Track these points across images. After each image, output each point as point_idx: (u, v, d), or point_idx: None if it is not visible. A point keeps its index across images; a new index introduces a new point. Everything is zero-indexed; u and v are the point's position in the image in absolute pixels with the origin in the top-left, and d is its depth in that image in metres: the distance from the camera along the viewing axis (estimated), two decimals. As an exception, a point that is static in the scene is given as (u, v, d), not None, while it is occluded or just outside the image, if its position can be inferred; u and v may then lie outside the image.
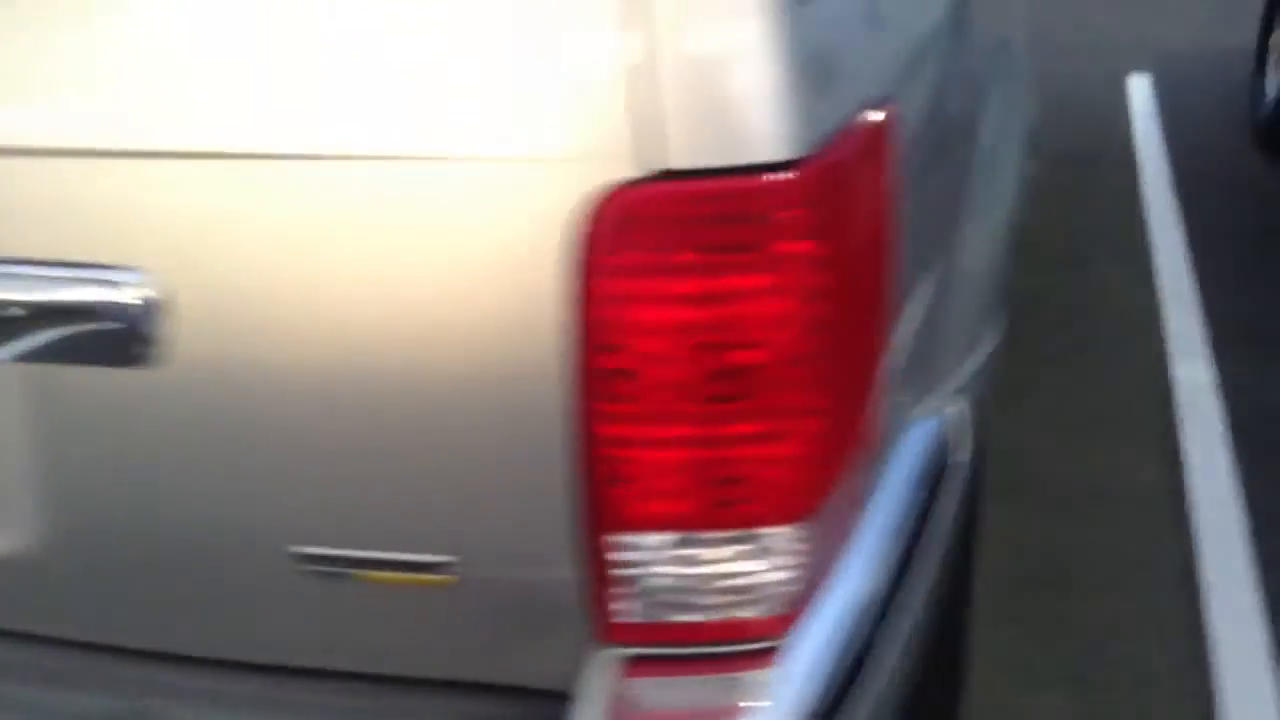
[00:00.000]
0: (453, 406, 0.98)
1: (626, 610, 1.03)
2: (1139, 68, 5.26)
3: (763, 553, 1.02)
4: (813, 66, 0.93)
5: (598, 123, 0.90)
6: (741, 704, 1.03)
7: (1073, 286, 3.55)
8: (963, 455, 1.46)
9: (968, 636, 1.79)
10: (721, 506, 0.99)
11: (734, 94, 0.88)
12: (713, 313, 0.92)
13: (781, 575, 1.03)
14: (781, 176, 0.90)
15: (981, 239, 1.44)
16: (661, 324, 0.93)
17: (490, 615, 1.07)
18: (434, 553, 1.05)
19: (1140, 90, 5.08)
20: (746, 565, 1.02)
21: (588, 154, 0.90)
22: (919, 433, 1.35)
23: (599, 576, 1.02)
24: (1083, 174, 4.35)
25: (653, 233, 0.91)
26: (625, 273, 0.92)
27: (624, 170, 0.90)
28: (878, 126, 1.02)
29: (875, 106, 1.02)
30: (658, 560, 1.02)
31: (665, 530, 1.00)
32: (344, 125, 0.94)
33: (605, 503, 0.99)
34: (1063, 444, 2.83)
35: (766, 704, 1.03)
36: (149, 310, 0.99)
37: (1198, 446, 2.82)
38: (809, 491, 1.01)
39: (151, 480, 1.06)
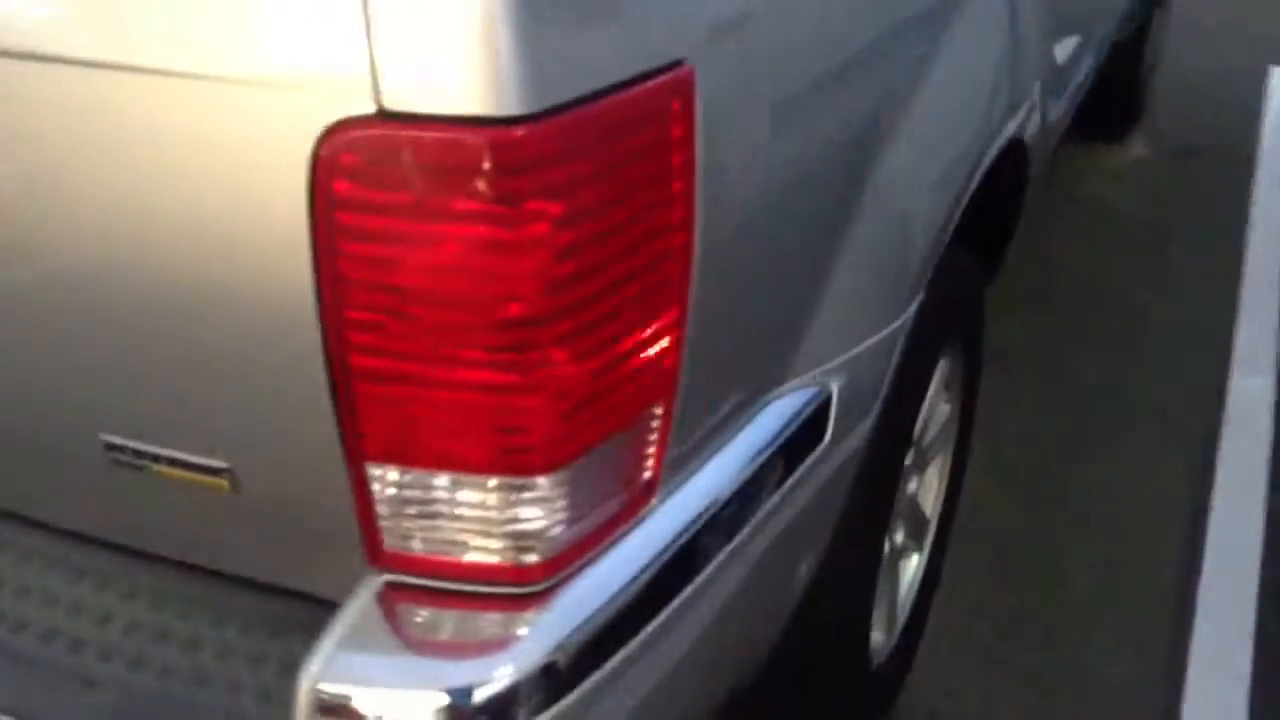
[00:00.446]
0: (217, 322, 1.01)
1: (388, 538, 1.05)
2: (1285, 63, 4.96)
3: (515, 500, 1.02)
4: (556, 19, 0.90)
5: (332, 54, 0.89)
6: (489, 644, 1.04)
7: (1148, 283, 3.39)
8: (851, 431, 1.43)
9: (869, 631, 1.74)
10: (469, 450, 1.00)
11: (461, 42, 0.87)
12: (441, 258, 0.92)
13: (538, 524, 1.03)
14: (497, 131, 0.88)
15: (890, 217, 1.39)
16: (389, 262, 0.93)
17: (271, 522, 1.11)
18: (215, 458, 1.09)
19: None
20: (500, 511, 1.03)
21: (323, 84, 0.90)
22: (783, 404, 1.32)
23: (362, 503, 1.04)
24: (1194, 169, 4.13)
25: (375, 172, 0.91)
26: (352, 208, 0.92)
27: (354, 105, 0.90)
28: (656, 91, 0.98)
29: (658, 70, 0.98)
30: (412, 496, 1.03)
31: (419, 467, 1.02)
32: (92, 33, 0.95)
33: (359, 433, 1.01)
34: (1090, 444, 2.73)
35: (513, 648, 1.04)
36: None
37: (1234, 465, 2.68)
38: (561, 444, 1.01)
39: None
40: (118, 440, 1.12)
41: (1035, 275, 3.41)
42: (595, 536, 1.09)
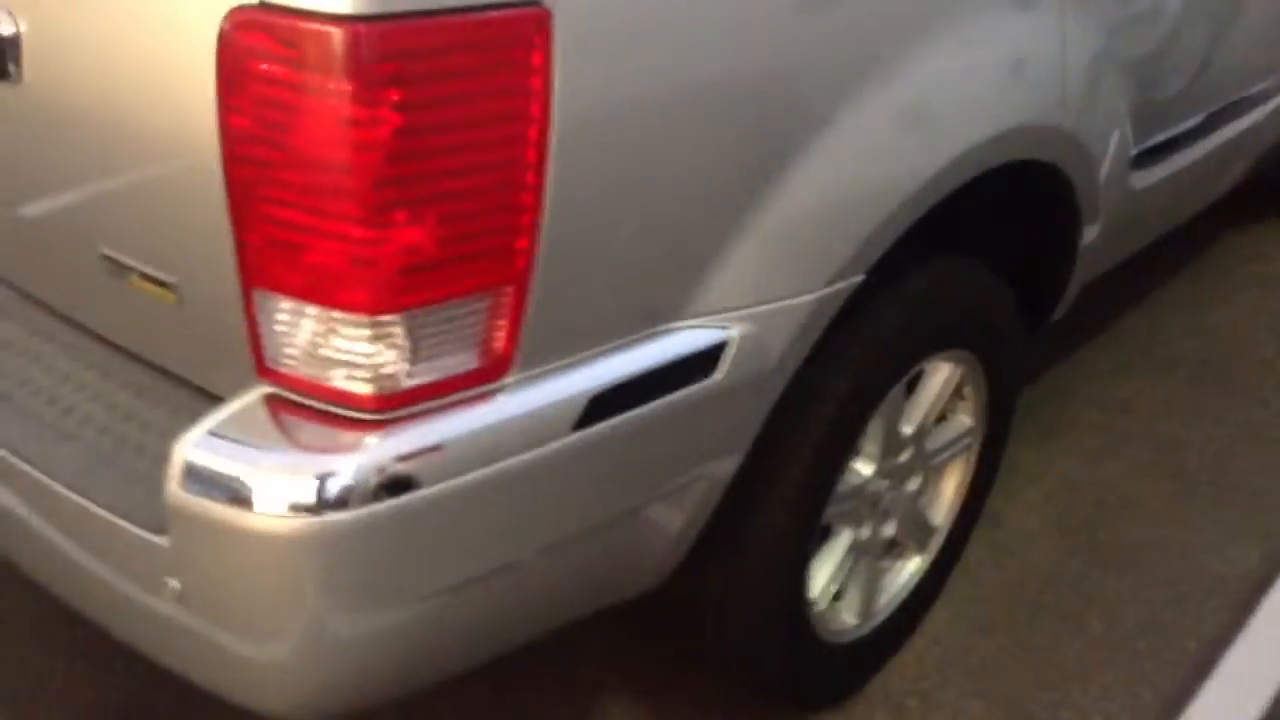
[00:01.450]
0: (163, 167, 1.32)
1: (267, 355, 1.32)
2: None
3: (364, 335, 1.25)
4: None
5: None
6: (323, 457, 1.28)
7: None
8: (751, 382, 1.57)
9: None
10: (330, 287, 1.24)
11: None
12: (308, 125, 1.17)
13: (383, 359, 1.26)
14: (350, 26, 1.13)
15: (807, 188, 1.50)
16: (271, 124, 1.19)
17: (202, 333, 1.40)
18: (167, 273, 1.39)
19: None
20: (352, 343, 1.27)
21: None
22: (680, 335, 1.49)
23: (251, 323, 1.31)
24: None
25: (260, 49, 1.17)
26: (243, 78, 1.19)
27: None
28: (508, 20, 1.19)
29: (514, 4, 1.19)
30: (286, 321, 1.29)
31: (291, 298, 1.27)
32: None
33: (247, 264, 1.28)
34: (1168, 511, 2.70)
35: (344, 463, 1.27)
36: (12, 39, 1.40)
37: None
38: (403, 292, 1.23)
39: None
40: (110, 253, 1.44)
41: (1183, 343, 3.36)
42: (441, 386, 1.31)
